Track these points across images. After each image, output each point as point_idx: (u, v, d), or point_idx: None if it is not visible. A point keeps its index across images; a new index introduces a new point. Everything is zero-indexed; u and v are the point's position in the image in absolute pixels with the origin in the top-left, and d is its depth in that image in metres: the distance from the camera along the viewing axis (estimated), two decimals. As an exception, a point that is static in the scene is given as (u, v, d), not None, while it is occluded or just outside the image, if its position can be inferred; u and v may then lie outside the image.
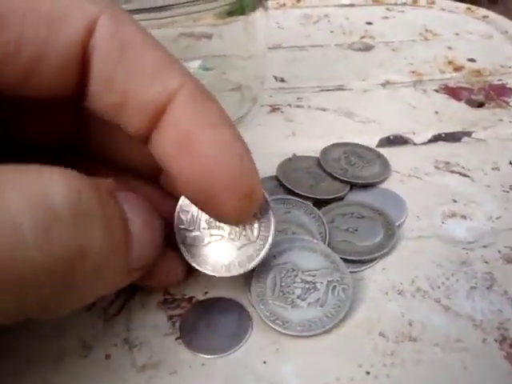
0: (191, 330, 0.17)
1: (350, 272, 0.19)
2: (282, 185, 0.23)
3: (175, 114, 0.13)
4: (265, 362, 0.16)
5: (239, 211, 0.14)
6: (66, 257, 0.11)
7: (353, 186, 0.23)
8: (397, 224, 0.21)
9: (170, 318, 0.18)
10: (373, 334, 0.17)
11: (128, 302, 0.18)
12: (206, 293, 0.18)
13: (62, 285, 0.12)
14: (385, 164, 0.25)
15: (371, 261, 0.19)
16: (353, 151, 0.25)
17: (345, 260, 0.19)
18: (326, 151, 0.25)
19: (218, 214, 0.15)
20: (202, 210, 0.15)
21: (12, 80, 0.13)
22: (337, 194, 0.22)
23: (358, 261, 0.19)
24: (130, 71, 0.13)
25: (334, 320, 0.17)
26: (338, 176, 0.23)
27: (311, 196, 0.22)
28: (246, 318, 0.17)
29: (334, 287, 0.17)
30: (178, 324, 0.17)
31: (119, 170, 0.17)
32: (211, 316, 0.18)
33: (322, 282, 0.18)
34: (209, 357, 0.16)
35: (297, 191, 0.22)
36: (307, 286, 0.17)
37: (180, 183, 0.14)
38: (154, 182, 0.18)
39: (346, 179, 0.23)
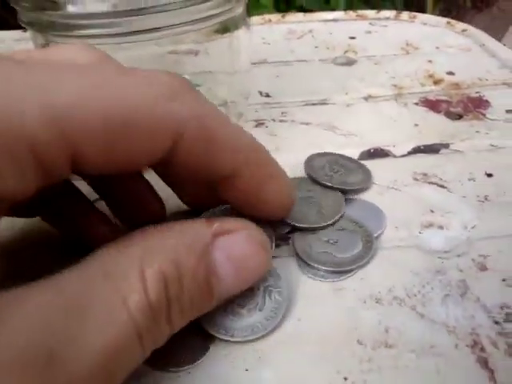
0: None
1: (330, 281, 0.20)
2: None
3: (243, 177, 0.18)
4: (247, 370, 0.17)
5: (281, 217, 0.21)
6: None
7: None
8: (375, 235, 0.22)
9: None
10: (351, 342, 0.18)
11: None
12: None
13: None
14: (367, 173, 0.25)
15: (350, 271, 0.20)
16: (336, 161, 0.26)
17: (325, 271, 0.20)
18: (309, 160, 0.26)
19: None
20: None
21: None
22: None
23: (337, 271, 0.20)
24: (211, 159, 0.17)
25: (274, 322, 0.18)
26: (325, 182, 0.24)
27: None
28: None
29: (270, 291, 0.19)
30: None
31: None
32: None
33: (258, 288, 0.19)
34: (176, 369, 0.17)
35: None
36: (245, 293, 0.18)
37: (245, 212, 0.19)
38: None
39: (336, 186, 0.24)
